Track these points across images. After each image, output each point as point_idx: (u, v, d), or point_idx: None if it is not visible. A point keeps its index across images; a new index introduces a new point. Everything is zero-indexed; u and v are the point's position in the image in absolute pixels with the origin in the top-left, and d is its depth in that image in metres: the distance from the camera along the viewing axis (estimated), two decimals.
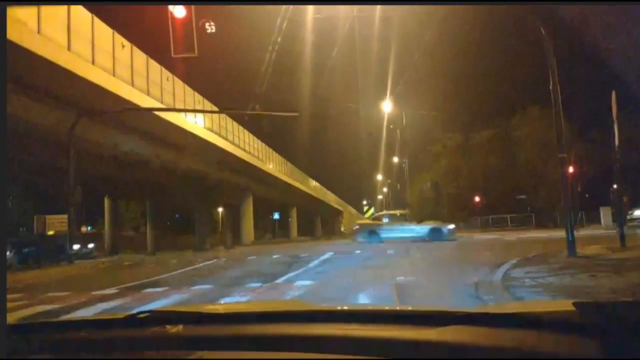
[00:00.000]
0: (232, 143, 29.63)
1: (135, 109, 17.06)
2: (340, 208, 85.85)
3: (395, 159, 44.38)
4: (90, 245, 22.02)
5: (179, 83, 22.23)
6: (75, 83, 14.41)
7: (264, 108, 17.46)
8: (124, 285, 8.71)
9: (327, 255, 13.50)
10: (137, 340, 1.21)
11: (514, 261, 8.36)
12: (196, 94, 24.22)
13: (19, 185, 39.28)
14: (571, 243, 8.41)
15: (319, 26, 18.38)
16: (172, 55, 10.36)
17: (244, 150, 32.22)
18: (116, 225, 38.64)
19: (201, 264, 13.11)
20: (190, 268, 12.17)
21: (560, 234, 9.74)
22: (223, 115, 27.86)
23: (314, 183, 60.98)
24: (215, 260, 14.29)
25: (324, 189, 68.83)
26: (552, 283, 5.97)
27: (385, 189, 63.10)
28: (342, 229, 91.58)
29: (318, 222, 76.04)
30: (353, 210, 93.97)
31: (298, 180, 50.14)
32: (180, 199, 41.80)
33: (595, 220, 28.98)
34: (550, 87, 9.09)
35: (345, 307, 1.37)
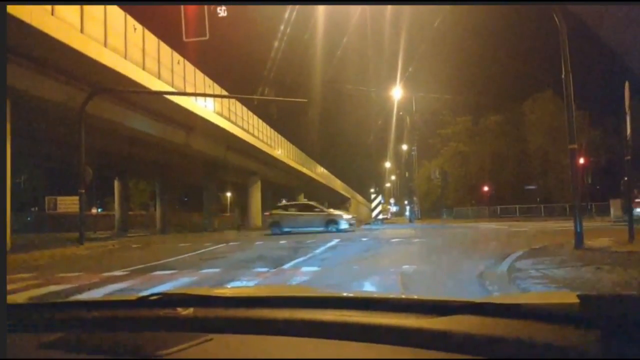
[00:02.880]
0: (241, 128, 29.69)
1: (146, 92, 17.15)
2: (347, 195, 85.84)
3: (404, 147, 44.17)
4: None
5: (189, 67, 22.25)
6: (87, 64, 14.52)
7: (273, 93, 17.44)
8: (133, 268, 8.81)
9: (333, 242, 13.60)
10: (149, 321, 1.25)
11: (520, 252, 8.36)
12: (206, 78, 24.24)
13: (31, 164, 39.78)
14: (579, 235, 8.38)
15: (330, 10, 18.27)
16: (184, 39, 10.38)
17: (253, 135, 32.28)
18: (126, 206, 39.04)
19: (210, 248, 13.24)
20: (199, 252, 12.29)
21: (569, 224, 9.70)
22: (233, 100, 27.85)
23: (321, 169, 60.98)
24: (223, 244, 14.43)
25: (331, 176, 68.84)
26: (557, 275, 5.98)
27: (393, 177, 63.02)
28: None
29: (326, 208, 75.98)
30: (360, 198, 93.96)
31: (306, 166, 50.23)
32: (189, 179, 42.14)
33: (604, 212, 28.83)
34: (563, 76, 8.97)
35: (352, 295, 1.40)
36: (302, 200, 59.56)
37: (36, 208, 49.78)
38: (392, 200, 55.94)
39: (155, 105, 20.02)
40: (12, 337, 1.11)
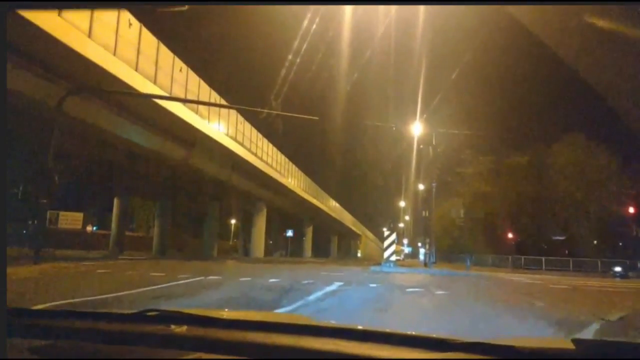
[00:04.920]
0: (249, 150, 27.69)
1: (131, 94, 15.12)
2: (358, 232, 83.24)
3: (421, 186, 41.69)
4: None
5: (193, 77, 20.41)
6: (66, 56, 12.68)
7: (283, 116, 15.45)
8: (62, 302, 6.69)
9: (334, 286, 10.98)
10: (142, 336, 1.27)
11: (597, 326, 5.82)
12: (213, 91, 22.33)
13: (32, 173, 38.01)
14: None
15: (348, 38, 16.43)
16: (157, 10, 8.46)
17: (262, 159, 30.25)
18: (123, 226, 36.78)
19: (184, 281, 11.00)
20: (169, 284, 10.07)
21: (609, 283, 7.45)
22: (241, 120, 26.06)
23: (333, 203, 58.67)
24: (201, 277, 12.04)
25: (344, 210, 66.45)
26: None
27: (407, 217, 60.24)
28: (359, 254, 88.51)
29: (334, 243, 73.64)
30: (370, 235, 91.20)
31: (317, 198, 47.94)
32: (193, 202, 39.91)
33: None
34: None
35: (347, 326, 1.29)
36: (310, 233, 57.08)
37: (35, 221, 47.88)
38: (405, 241, 53.01)
39: (150, 114, 18.07)
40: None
